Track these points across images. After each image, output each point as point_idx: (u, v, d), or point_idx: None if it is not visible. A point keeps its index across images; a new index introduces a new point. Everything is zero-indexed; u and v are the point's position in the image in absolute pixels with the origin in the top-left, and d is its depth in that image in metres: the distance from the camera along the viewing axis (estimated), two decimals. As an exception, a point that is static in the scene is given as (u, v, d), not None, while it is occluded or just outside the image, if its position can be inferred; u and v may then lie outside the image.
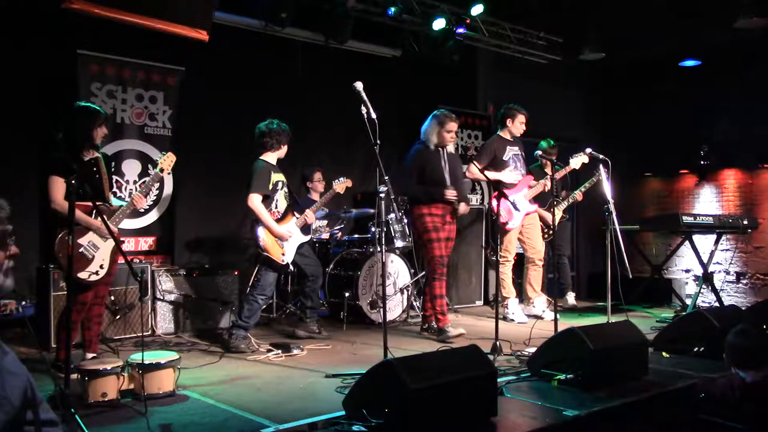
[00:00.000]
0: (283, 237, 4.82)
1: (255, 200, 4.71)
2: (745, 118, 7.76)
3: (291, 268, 4.99)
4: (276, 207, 4.88)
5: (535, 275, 6.26)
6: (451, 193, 5.15)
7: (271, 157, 4.90)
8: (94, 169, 4.13)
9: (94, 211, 3.97)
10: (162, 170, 4.40)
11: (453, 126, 5.20)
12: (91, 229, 4.00)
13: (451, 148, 5.35)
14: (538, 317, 6.00)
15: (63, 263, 3.84)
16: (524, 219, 6.11)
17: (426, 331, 5.30)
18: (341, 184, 5.43)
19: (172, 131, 6.03)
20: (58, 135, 4.02)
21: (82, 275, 3.93)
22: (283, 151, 4.95)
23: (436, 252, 5.14)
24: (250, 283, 5.05)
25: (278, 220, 4.85)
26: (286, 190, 4.99)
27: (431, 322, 5.29)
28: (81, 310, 4.06)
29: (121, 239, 5.43)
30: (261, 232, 4.76)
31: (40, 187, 5.33)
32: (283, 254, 4.84)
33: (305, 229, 5.07)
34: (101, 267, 4.04)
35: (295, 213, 5.03)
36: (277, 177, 4.88)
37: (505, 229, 5.96)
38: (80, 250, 3.93)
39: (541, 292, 6.37)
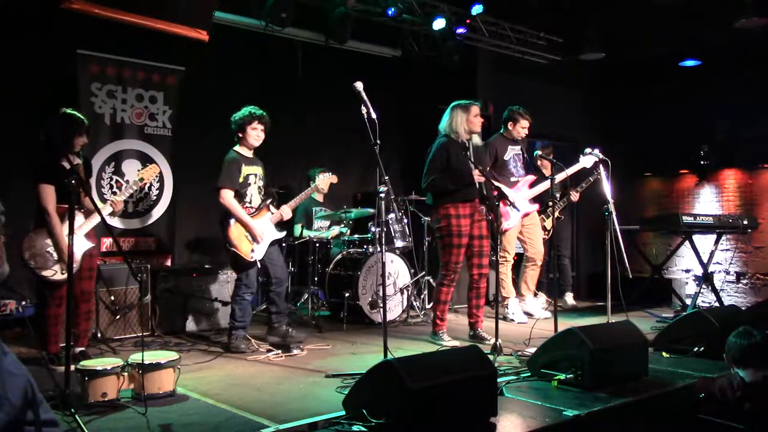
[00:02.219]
0: (256, 237, 4.65)
1: (226, 196, 4.59)
2: (745, 118, 7.76)
3: (258, 265, 4.76)
4: (250, 202, 4.74)
5: (533, 274, 6.27)
6: (477, 174, 4.87)
7: (242, 148, 4.75)
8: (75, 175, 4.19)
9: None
10: (141, 179, 4.51)
11: (477, 109, 5.05)
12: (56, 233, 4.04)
13: (477, 140, 5.14)
14: (529, 315, 6.00)
15: (27, 261, 4.01)
16: (524, 219, 6.11)
17: (473, 339, 5.06)
18: (325, 180, 5.31)
19: (172, 131, 6.03)
20: (41, 137, 4.07)
21: (46, 273, 4.02)
22: (250, 136, 4.67)
23: (452, 258, 4.93)
24: (234, 286, 4.89)
25: (251, 215, 4.71)
26: (261, 184, 4.80)
27: (478, 328, 5.11)
28: (60, 304, 4.12)
29: (119, 239, 5.46)
30: (231, 226, 4.62)
31: (33, 189, 5.37)
32: (252, 251, 4.67)
33: (279, 225, 4.87)
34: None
35: (271, 208, 4.86)
36: (249, 170, 4.71)
37: (502, 229, 5.95)
38: (47, 250, 4.02)
39: (538, 291, 6.38)
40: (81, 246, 4.14)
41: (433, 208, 5.06)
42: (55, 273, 4.06)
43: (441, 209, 4.97)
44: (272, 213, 4.83)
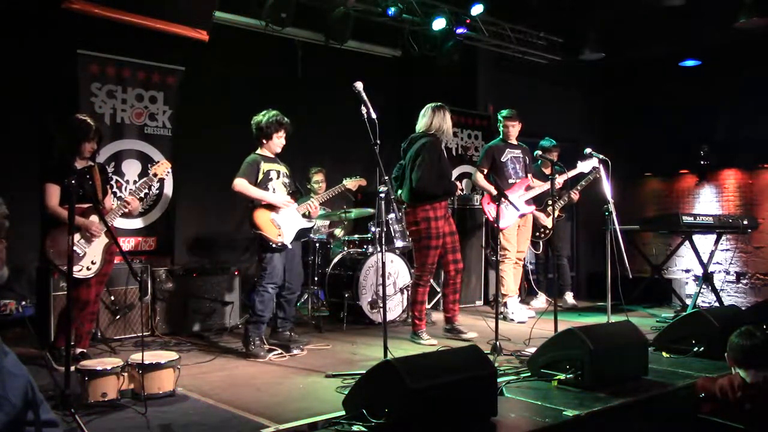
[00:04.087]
0: (279, 203, 4.60)
1: (239, 183, 4.55)
2: (745, 118, 7.76)
3: (289, 246, 4.69)
4: (273, 192, 4.70)
5: (515, 273, 6.28)
6: (459, 188, 5.19)
7: (264, 150, 4.76)
8: (87, 176, 4.25)
9: (90, 213, 4.14)
10: (155, 175, 4.49)
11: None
12: (81, 228, 4.09)
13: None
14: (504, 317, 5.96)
15: (52, 259, 4.02)
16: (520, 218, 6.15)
17: (449, 332, 5.24)
18: (354, 182, 5.33)
19: (172, 131, 6.02)
20: (57, 140, 4.13)
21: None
22: (276, 142, 4.73)
23: (429, 260, 5.01)
24: (257, 274, 4.82)
25: None
26: (286, 180, 4.80)
27: (454, 322, 5.25)
28: (83, 307, 4.18)
29: (119, 238, 5.47)
30: (256, 211, 4.59)
31: (40, 188, 5.37)
32: (279, 235, 4.60)
33: (306, 216, 4.85)
34: (92, 263, 4.15)
35: (297, 203, 4.84)
36: (270, 167, 4.70)
37: (498, 228, 5.97)
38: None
39: (538, 291, 6.35)
40: (100, 245, 4.17)
41: (411, 208, 5.06)
42: (81, 269, 4.07)
43: (420, 211, 4.99)
44: (298, 206, 4.80)
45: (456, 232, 5.21)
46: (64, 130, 4.23)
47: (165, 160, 4.76)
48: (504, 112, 6.21)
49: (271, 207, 4.65)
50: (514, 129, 6.17)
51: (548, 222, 6.62)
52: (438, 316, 6.30)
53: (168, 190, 6.00)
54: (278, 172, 4.76)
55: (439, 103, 5.17)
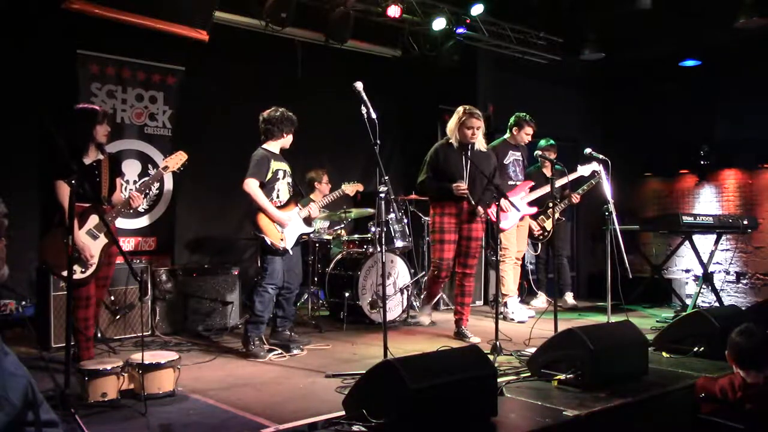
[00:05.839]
0: (281, 222, 4.60)
1: (251, 185, 4.53)
2: (745, 118, 7.76)
3: (290, 252, 4.69)
4: (278, 196, 4.69)
5: (514, 272, 6.28)
6: (459, 188, 4.96)
7: (273, 146, 4.73)
8: (96, 171, 4.18)
9: (90, 213, 4.06)
10: (167, 167, 4.43)
11: (474, 122, 5.02)
12: (84, 227, 4.04)
13: (482, 146, 5.19)
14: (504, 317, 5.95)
15: (50, 262, 3.94)
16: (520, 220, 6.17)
17: (455, 336, 5.24)
18: (352, 187, 5.35)
19: (172, 131, 6.03)
20: (60, 141, 4.04)
21: (66, 273, 3.96)
22: (286, 140, 4.75)
23: (436, 254, 5.17)
24: (257, 275, 4.81)
25: (279, 208, 4.66)
26: (290, 180, 4.80)
27: (462, 326, 5.25)
28: (87, 305, 4.11)
29: (119, 238, 5.44)
30: (260, 214, 4.58)
31: (39, 187, 5.37)
32: (281, 239, 4.60)
33: (307, 221, 4.87)
34: (90, 265, 4.05)
35: (299, 205, 4.84)
36: (279, 165, 4.69)
37: (500, 229, 5.98)
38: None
39: (538, 291, 6.35)
40: (99, 245, 4.07)
41: (429, 207, 5.37)
42: (76, 272, 3.96)
43: (431, 208, 5.28)
44: (300, 208, 4.80)
45: (475, 239, 5.17)
46: (71, 123, 4.12)
47: (181, 151, 4.54)
48: (528, 117, 6.11)
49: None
50: (529, 136, 6.18)
51: (548, 224, 6.61)
52: (438, 317, 6.31)
53: (168, 189, 6.00)
54: (284, 172, 4.76)
55: (462, 107, 5.16)
